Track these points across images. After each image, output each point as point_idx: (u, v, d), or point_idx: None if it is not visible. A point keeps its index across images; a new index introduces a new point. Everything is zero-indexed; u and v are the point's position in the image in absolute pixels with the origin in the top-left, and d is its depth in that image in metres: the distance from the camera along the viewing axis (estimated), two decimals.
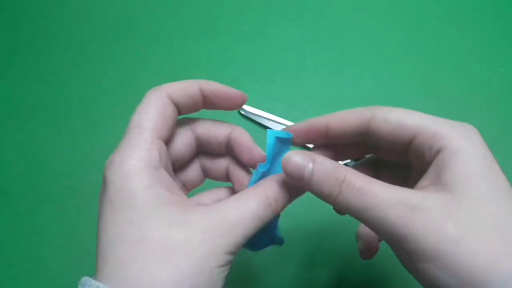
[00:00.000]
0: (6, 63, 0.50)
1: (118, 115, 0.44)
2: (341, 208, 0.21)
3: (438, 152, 0.21)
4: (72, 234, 0.41)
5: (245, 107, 0.27)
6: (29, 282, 0.39)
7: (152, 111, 0.23)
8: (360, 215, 0.20)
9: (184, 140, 0.26)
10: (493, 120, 0.45)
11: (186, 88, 0.24)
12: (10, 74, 0.49)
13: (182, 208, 0.21)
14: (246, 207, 0.22)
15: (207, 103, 0.26)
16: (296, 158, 0.21)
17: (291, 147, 0.26)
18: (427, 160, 0.22)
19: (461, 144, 0.21)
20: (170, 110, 0.24)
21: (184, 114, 0.26)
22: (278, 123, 0.29)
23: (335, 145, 0.27)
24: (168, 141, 0.24)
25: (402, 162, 0.25)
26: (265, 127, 0.34)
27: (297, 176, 0.21)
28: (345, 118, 0.25)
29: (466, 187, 0.20)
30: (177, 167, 0.26)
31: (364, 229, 0.30)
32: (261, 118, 0.33)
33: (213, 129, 0.26)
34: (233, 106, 0.26)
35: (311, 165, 0.21)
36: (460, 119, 0.48)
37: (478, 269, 0.18)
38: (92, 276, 0.20)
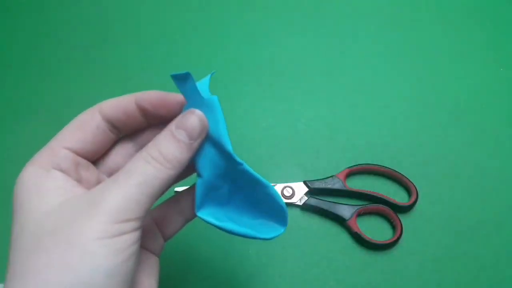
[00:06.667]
0: (6, 63, 0.50)
1: None
2: None
3: None
4: None
5: None
6: None
7: (73, 124, 0.23)
8: None
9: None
10: (493, 120, 0.45)
11: (120, 102, 0.24)
12: (10, 74, 0.49)
13: (63, 197, 0.21)
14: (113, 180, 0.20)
15: (148, 116, 0.24)
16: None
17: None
18: None
19: None
20: (94, 125, 0.23)
21: (125, 132, 0.25)
22: None
23: None
24: (90, 154, 0.24)
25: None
26: None
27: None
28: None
29: None
30: (95, 158, 0.24)
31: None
32: None
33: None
34: (171, 111, 0.24)
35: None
36: (458, 119, 0.48)
37: None
38: None
